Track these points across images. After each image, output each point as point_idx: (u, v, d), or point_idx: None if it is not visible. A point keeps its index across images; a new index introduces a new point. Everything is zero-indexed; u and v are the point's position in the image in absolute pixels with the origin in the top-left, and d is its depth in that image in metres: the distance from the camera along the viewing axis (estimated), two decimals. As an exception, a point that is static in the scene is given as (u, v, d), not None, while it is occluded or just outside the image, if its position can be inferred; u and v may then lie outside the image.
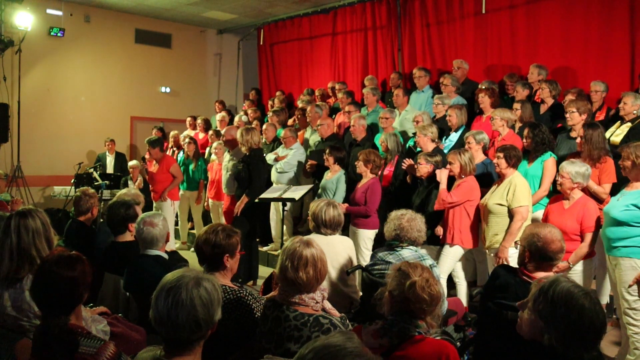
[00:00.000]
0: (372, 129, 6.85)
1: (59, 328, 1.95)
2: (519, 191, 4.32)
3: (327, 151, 5.78)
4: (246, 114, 9.04)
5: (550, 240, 2.74)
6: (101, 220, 5.10)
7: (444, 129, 6.02)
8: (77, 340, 1.95)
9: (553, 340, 1.88)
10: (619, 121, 5.25)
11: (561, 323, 1.86)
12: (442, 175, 4.77)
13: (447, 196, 4.65)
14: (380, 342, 2.15)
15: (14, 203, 5.47)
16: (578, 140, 4.56)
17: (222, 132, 7.34)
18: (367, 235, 5.23)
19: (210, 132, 8.25)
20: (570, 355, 1.89)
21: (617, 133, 5.11)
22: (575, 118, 4.94)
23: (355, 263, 3.83)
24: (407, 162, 5.37)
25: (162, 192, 7.02)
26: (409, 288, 2.18)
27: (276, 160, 6.77)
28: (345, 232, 4.73)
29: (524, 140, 4.84)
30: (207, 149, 8.18)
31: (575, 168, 4.05)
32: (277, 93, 9.85)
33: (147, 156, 8.49)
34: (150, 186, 7.33)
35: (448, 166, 4.77)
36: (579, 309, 1.85)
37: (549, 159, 4.72)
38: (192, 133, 8.93)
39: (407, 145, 6.25)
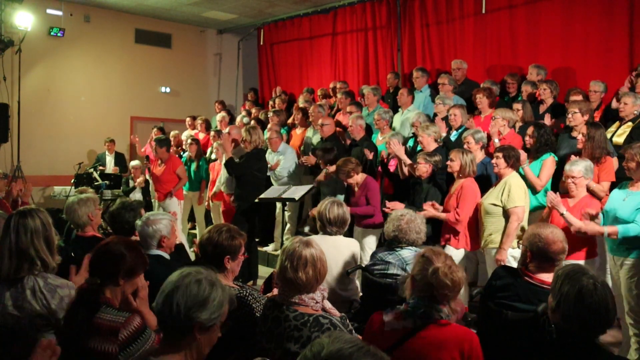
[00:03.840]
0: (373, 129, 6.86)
1: (88, 286, 2.27)
2: (514, 192, 4.31)
3: (319, 152, 5.78)
4: (249, 114, 9.03)
5: (551, 241, 2.73)
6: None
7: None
8: (99, 304, 2.21)
9: (560, 318, 2.00)
10: (618, 121, 5.24)
11: (564, 299, 1.99)
12: (435, 214, 4.66)
13: (455, 217, 4.56)
14: (404, 324, 2.20)
15: (14, 183, 5.35)
16: (580, 137, 4.55)
17: (225, 131, 7.35)
18: (372, 236, 5.24)
19: (212, 132, 8.25)
20: (575, 340, 1.96)
21: (618, 133, 5.10)
22: (577, 119, 4.92)
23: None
24: (394, 143, 5.36)
25: (167, 192, 7.04)
26: (432, 274, 2.22)
27: (271, 169, 6.75)
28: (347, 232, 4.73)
29: (528, 139, 4.82)
30: (209, 149, 8.18)
31: (582, 165, 4.06)
32: (278, 92, 9.83)
33: (151, 156, 8.50)
34: (152, 186, 7.34)
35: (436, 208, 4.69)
36: (579, 287, 1.97)
37: (549, 157, 4.73)
38: (192, 133, 8.94)
39: (406, 146, 6.25)
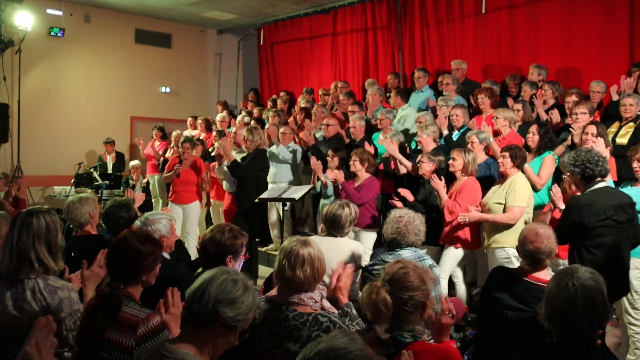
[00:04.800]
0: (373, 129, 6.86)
1: (110, 290, 2.26)
2: (518, 191, 4.32)
3: (331, 152, 5.79)
4: (249, 114, 9.04)
5: (528, 240, 2.75)
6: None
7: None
8: (120, 305, 2.20)
9: (545, 316, 1.99)
10: (617, 121, 5.24)
11: (547, 298, 1.99)
12: (439, 189, 4.67)
13: (454, 206, 4.59)
14: (378, 351, 2.05)
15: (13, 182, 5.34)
16: (590, 137, 4.51)
17: (232, 131, 7.42)
18: (369, 236, 5.25)
19: (214, 133, 8.24)
20: (569, 340, 1.95)
21: (621, 134, 5.09)
22: (586, 119, 4.89)
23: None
24: (389, 143, 5.37)
25: (194, 193, 6.95)
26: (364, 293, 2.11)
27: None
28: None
29: (532, 136, 4.82)
30: (210, 148, 8.18)
31: None
32: (282, 94, 9.83)
33: (152, 157, 8.50)
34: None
35: (442, 182, 4.70)
36: (552, 287, 1.98)
37: (549, 156, 4.74)
38: (193, 133, 8.94)
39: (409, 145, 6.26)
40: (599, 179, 3.52)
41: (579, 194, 4.05)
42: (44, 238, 2.60)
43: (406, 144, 6.05)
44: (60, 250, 2.74)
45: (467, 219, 4.36)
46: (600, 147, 3.75)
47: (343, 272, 2.79)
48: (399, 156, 5.43)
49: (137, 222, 3.39)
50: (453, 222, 4.65)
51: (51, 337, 1.79)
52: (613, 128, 5.19)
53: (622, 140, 5.00)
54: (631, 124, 5.07)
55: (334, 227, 3.64)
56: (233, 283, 1.84)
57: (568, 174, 3.69)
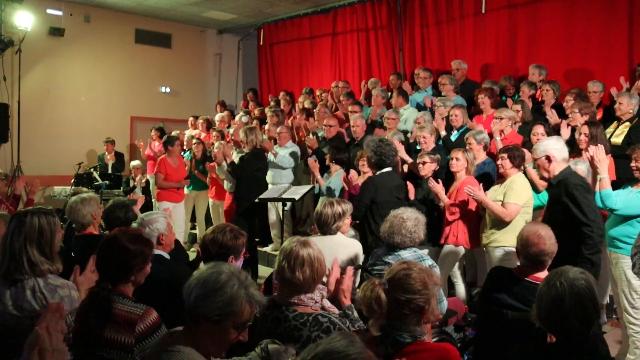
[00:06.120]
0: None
1: (98, 291, 2.24)
2: (516, 189, 4.32)
3: (330, 152, 5.80)
4: (247, 114, 9.03)
5: (531, 242, 2.74)
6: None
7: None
8: (110, 305, 2.19)
9: (535, 315, 2.01)
10: (616, 121, 5.25)
11: (537, 297, 2.02)
12: (438, 192, 4.68)
13: (454, 209, 4.61)
14: (377, 351, 2.01)
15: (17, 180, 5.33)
16: (582, 138, 4.53)
17: (231, 131, 7.47)
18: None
19: (215, 132, 8.24)
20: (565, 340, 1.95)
21: (616, 133, 5.11)
22: (577, 119, 4.93)
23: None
24: (397, 143, 5.39)
25: (182, 191, 7.16)
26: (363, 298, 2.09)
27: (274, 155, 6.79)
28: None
29: (533, 137, 4.82)
30: (210, 148, 8.18)
31: (585, 166, 4.07)
32: (282, 94, 9.83)
33: (152, 158, 8.53)
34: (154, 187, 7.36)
35: (440, 185, 4.71)
36: (541, 286, 2.01)
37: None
38: (194, 133, 8.93)
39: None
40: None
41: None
42: (35, 239, 2.55)
43: (410, 143, 6.06)
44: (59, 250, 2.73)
45: (472, 194, 4.32)
46: (601, 154, 3.74)
47: (345, 274, 2.77)
48: (406, 156, 5.42)
49: (134, 224, 3.39)
50: (453, 222, 4.65)
51: (61, 322, 1.69)
52: (611, 128, 5.21)
53: (617, 140, 5.02)
54: (627, 123, 5.08)
55: (321, 226, 3.65)
56: (216, 274, 1.78)
57: (366, 155, 4.69)
